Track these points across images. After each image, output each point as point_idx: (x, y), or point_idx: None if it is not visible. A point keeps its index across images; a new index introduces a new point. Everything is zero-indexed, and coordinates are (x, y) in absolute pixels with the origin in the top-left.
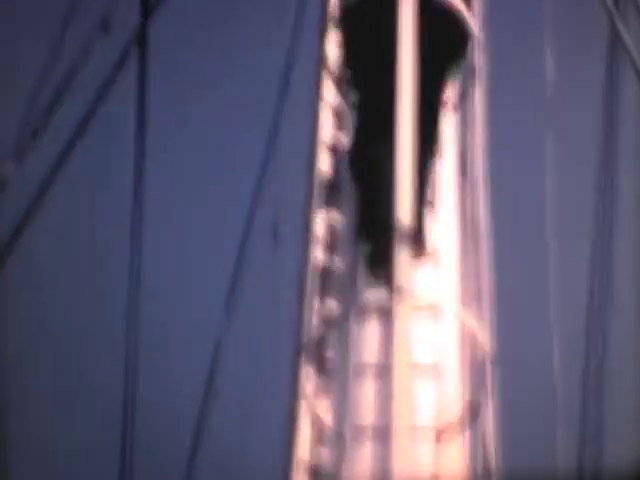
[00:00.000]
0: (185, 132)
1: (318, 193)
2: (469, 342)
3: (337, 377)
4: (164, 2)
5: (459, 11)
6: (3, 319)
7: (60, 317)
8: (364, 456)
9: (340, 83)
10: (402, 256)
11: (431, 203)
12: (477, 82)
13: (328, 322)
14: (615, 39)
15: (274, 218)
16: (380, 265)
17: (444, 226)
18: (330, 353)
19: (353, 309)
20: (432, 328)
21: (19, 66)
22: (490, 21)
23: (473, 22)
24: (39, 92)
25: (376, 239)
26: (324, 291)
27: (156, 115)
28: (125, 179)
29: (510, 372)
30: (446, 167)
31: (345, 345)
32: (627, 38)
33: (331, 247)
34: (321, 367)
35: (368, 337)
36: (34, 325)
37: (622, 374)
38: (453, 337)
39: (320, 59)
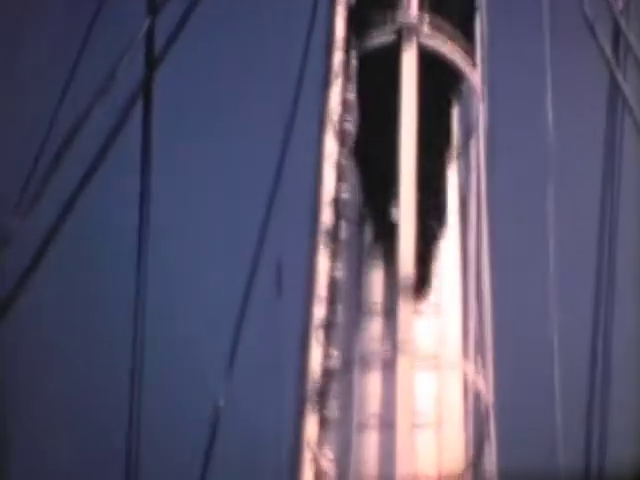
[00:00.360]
0: (189, 178)
1: (320, 244)
2: (471, 392)
3: (340, 428)
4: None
5: (462, 71)
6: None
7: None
8: None
9: (342, 137)
10: (405, 309)
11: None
12: (479, 133)
13: (331, 373)
14: (614, 89)
15: (277, 267)
16: (383, 241)
17: (447, 278)
18: (333, 404)
19: (356, 360)
20: (434, 379)
21: (24, 118)
22: (492, 72)
23: (475, 77)
24: (45, 144)
25: (379, 217)
26: (327, 342)
27: (160, 160)
28: (130, 232)
29: (510, 421)
30: (449, 217)
31: (348, 396)
32: (626, 88)
33: (333, 298)
34: (324, 418)
35: (371, 389)
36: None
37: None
38: (455, 387)
39: (323, 112)
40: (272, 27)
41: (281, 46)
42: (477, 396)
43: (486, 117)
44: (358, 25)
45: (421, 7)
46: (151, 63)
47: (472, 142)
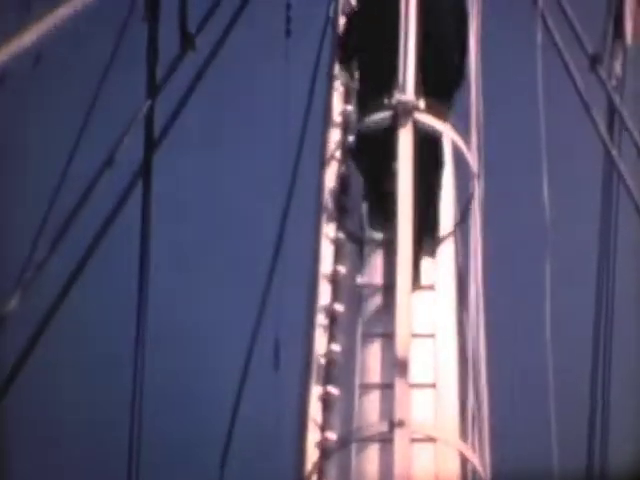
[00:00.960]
0: (189, 252)
1: (317, 322)
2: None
3: None
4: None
5: (459, 149)
6: None
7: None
8: None
9: (340, 216)
10: (402, 387)
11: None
12: (475, 210)
13: (327, 452)
14: (609, 165)
15: (276, 341)
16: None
17: (442, 355)
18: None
19: (352, 438)
20: (430, 457)
21: (22, 200)
22: (487, 149)
23: (472, 159)
24: (43, 226)
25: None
26: (324, 421)
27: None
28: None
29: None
30: (443, 296)
31: (345, 474)
32: (622, 166)
33: (330, 377)
34: None
35: (368, 467)
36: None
37: None
38: (452, 466)
39: (320, 191)
40: (271, 105)
41: (280, 123)
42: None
43: (482, 194)
44: (358, 105)
45: (417, 87)
46: (150, 145)
47: (468, 219)
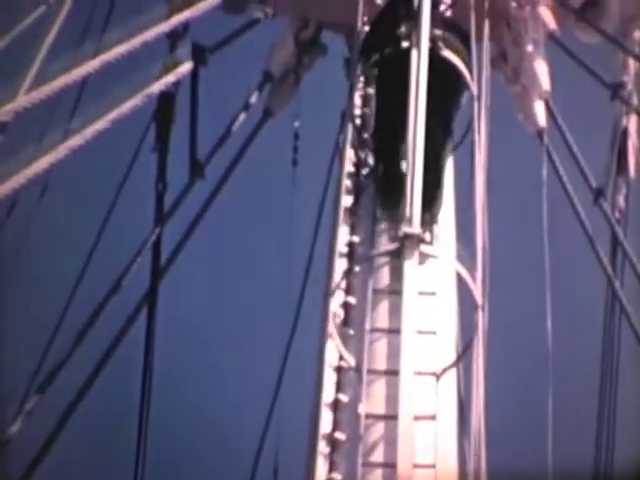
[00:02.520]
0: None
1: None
2: None
3: None
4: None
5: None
6: None
7: None
8: None
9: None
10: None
11: None
12: (479, 342)
13: None
14: (612, 297)
15: (275, 462)
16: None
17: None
18: None
19: None
20: None
21: (30, 321)
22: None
23: (477, 291)
24: (48, 348)
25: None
26: None
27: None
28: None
29: None
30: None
31: None
32: (623, 297)
33: None
34: None
35: None
36: None
37: None
38: None
39: (324, 319)
40: (277, 233)
41: (284, 255)
42: None
43: (485, 325)
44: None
45: (423, 218)
46: (157, 273)
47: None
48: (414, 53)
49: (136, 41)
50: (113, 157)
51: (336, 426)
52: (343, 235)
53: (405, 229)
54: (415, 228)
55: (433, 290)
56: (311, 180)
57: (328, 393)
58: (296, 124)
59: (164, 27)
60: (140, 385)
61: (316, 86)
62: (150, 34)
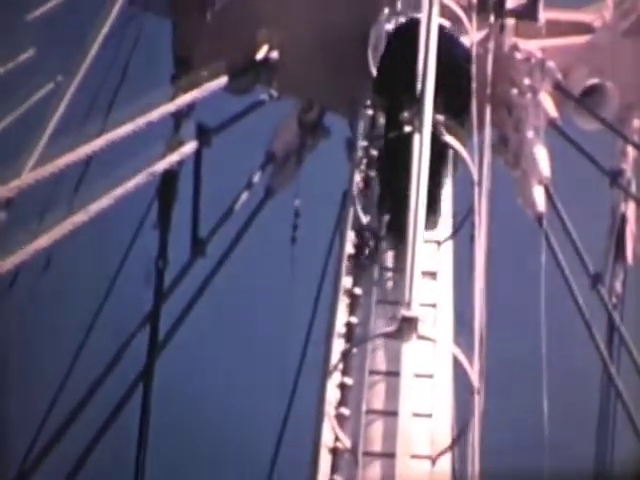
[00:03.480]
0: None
1: None
2: None
3: None
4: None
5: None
6: None
7: None
8: None
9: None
10: None
11: None
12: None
13: None
14: (608, 383)
15: None
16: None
17: None
18: None
19: None
20: None
21: (27, 397)
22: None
23: (473, 376)
24: (43, 424)
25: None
26: None
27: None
28: None
29: None
30: None
31: None
32: (619, 382)
33: None
34: None
35: None
36: None
37: None
38: None
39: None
40: (274, 316)
41: (282, 333)
42: None
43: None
44: None
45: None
46: (154, 350)
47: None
48: (416, 137)
49: (141, 120)
50: (115, 233)
51: None
52: (341, 315)
53: (403, 312)
54: (413, 311)
55: (430, 373)
56: (310, 259)
57: (323, 475)
58: (296, 202)
59: (169, 107)
60: (134, 459)
61: (317, 164)
62: (155, 114)
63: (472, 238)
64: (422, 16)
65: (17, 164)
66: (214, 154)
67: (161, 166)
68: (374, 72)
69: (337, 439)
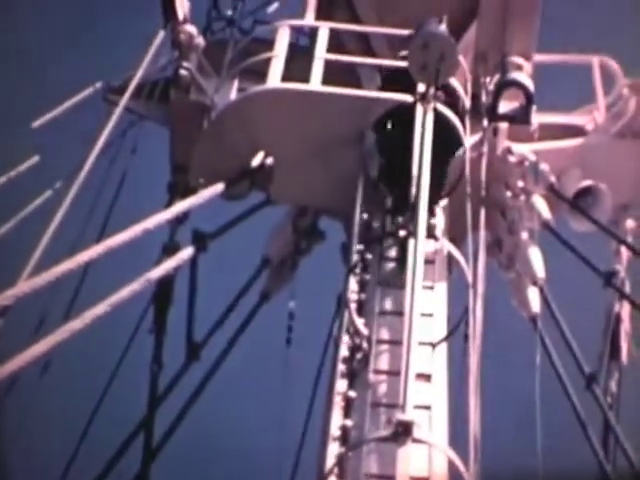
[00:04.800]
0: None
1: None
2: None
3: None
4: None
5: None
6: None
7: None
8: None
9: None
10: None
11: None
12: None
13: None
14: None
15: None
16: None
17: None
18: None
19: None
20: None
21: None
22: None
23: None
24: None
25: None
26: None
27: None
28: None
29: None
30: None
31: None
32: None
33: None
34: None
35: None
36: None
37: None
38: None
39: None
40: (268, 419)
41: (276, 436)
42: None
43: None
44: None
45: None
46: (148, 455)
47: None
48: (411, 242)
49: (138, 228)
50: (111, 336)
51: None
52: (336, 418)
53: (398, 415)
54: (408, 415)
55: (426, 475)
56: (305, 361)
57: None
58: (291, 304)
59: (166, 215)
60: None
61: (312, 266)
62: (152, 221)
63: (466, 338)
64: (416, 125)
65: (15, 271)
66: (209, 257)
67: (157, 272)
68: (369, 177)
69: None
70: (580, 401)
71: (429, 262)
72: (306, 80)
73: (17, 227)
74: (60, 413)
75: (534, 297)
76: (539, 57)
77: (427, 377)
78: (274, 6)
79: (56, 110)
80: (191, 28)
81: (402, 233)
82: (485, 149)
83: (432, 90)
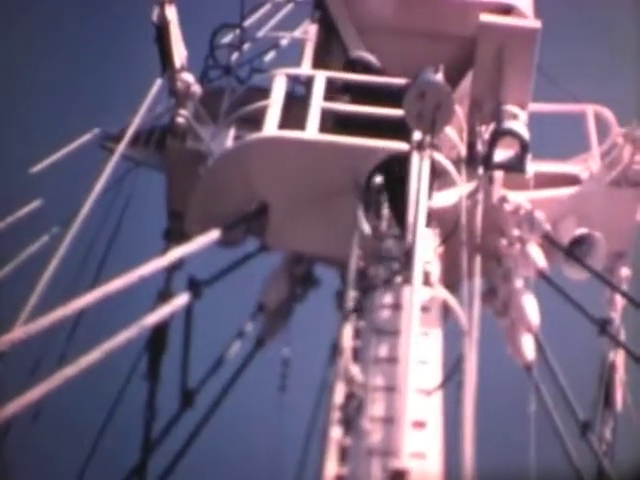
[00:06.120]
0: None
1: None
2: None
3: None
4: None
5: None
6: None
7: None
8: None
9: None
10: None
11: None
12: None
13: None
14: None
15: None
16: None
17: None
18: None
19: None
20: None
21: None
22: None
23: None
24: None
25: None
26: None
27: None
28: None
29: None
30: None
31: None
32: None
33: None
34: None
35: None
36: None
37: None
38: None
39: None
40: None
41: None
42: None
43: None
44: None
45: None
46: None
47: None
48: (406, 290)
49: (133, 275)
50: (103, 383)
51: None
52: (331, 466)
53: (394, 464)
54: (403, 463)
55: None
56: (299, 408)
57: None
58: (286, 351)
59: (161, 262)
60: None
61: (306, 312)
62: (147, 269)
63: (460, 385)
64: (412, 173)
65: (11, 317)
66: (204, 303)
67: (152, 319)
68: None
69: None
70: (575, 449)
71: (424, 309)
72: (302, 128)
73: (15, 272)
74: (52, 459)
75: (529, 344)
76: (534, 106)
77: (422, 424)
78: (271, 55)
79: (54, 156)
80: (188, 76)
81: (398, 280)
82: (480, 197)
83: (428, 138)
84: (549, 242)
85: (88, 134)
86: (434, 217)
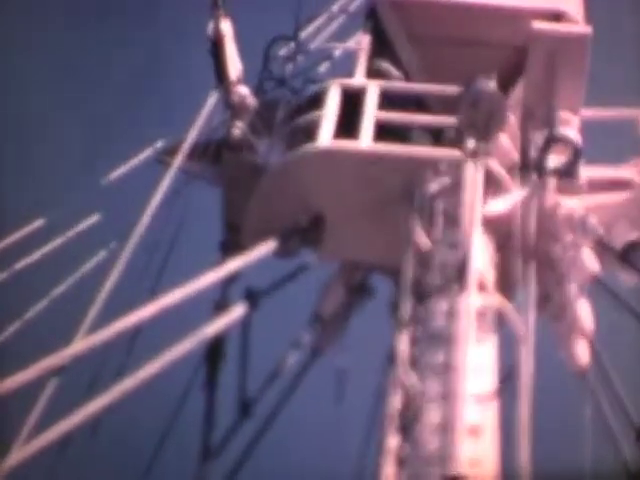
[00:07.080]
0: None
1: None
2: None
3: None
4: None
5: None
6: None
7: None
8: None
9: None
10: None
11: None
12: None
13: None
14: None
15: None
16: None
17: None
18: None
19: None
20: None
21: None
22: None
23: None
24: None
25: None
26: None
27: None
28: None
29: None
30: None
31: None
32: None
33: None
34: None
35: None
36: None
37: None
38: None
39: None
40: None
41: None
42: None
43: None
44: None
45: None
46: None
47: None
48: (462, 298)
49: (191, 287)
50: (162, 394)
51: None
52: (389, 474)
53: (451, 471)
54: (460, 470)
55: None
56: (355, 417)
57: None
58: (340, 360)
59: (218, 274)
60: None
61: (361, 322)
62: (204, 281)
63: (515, 391)
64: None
65: (71, 330)
66: (261, 313)
67: (210, 330)
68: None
69: None
70: (630, 454)
71: (479, 315)
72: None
73: (74, 285)
74: (112, 472)
75: (583, 350)
76: (585, 112)
77: (478, 431)
78: (325, 65)
79: (120, 169)
80: (243, 89)
81: (453, 288)
82: (534, 204)
83: (482, 146)
84: (603, 247)
85: (150, 147)
86: (488, 224)
